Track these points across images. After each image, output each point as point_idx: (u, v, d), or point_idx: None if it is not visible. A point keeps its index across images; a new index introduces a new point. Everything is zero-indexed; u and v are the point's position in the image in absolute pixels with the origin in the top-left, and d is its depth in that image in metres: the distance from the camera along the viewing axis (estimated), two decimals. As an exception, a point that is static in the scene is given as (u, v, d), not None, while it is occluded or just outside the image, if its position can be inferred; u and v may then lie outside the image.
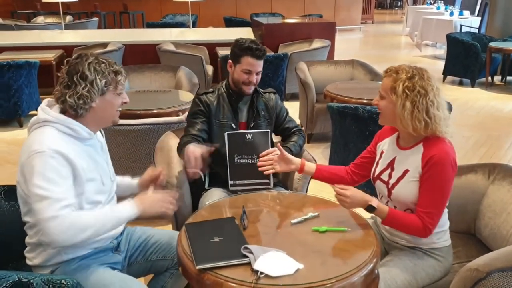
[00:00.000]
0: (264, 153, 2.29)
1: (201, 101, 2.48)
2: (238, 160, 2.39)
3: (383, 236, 2.13)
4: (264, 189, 2.37)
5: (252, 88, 2.45)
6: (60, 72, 1.82)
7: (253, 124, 2.49)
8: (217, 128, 2.46)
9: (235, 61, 2.43)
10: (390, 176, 1.99)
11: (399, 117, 1.87)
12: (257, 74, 2.42)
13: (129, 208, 1.79)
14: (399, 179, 1.95)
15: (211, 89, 2.53)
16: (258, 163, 2.27)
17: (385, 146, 2.08)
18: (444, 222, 2.01)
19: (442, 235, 2.00)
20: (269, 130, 2.45)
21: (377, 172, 2.07)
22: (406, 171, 1.94)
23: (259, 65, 2.42)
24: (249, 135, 2.32)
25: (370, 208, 1.89)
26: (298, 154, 2.49)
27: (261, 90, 2.58)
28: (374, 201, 1.90)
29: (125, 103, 1.89)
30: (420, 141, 1.92)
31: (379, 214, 1.92)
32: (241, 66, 2.40)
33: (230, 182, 2.40)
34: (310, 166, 2.21)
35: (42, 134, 1.70)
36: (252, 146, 2.36)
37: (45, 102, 1.83)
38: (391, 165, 2.01)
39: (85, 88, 1.73)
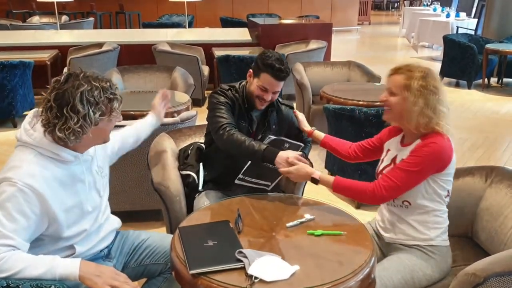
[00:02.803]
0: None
1: (227, 96, 2.37)
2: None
3: (380, 236, 2.12)
4: (262, 190, 2.33)
5: (265, 105, 2.36)
6: (46, 93, 1.64)
7: (260, 136, 2.42)
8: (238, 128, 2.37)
9: (255, 74, 2.32)
10: None
11: (408, 112, 1.92)
12: (274, 93, 2.32)
13: (69, 266, 1.57)
14: None
15: (228, 87, 2.40)
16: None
17: (391, 145, 2.13)
18: (443, 220, 2.01)
19: (439, 232, 1.99)
20: (303, 145, 2.35)
21: (380, 168, 2.12)
22: None
23: (278, 85, 2.29)
24: (287, 144, 2.22)
25: (313, 181, 2.05)
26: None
27: (280, 100, 2.50)
28: (316, 174, 2.06)
29: (119, 122, 1.78)
30: (419, 137, 1.96)
31: (325, 184, 2.06)
32: (259, 81, 2.29)
33: (240, 176, 2.29)
34: (319, 134, 2.44)
35: (21, 160, 1.61)
36: None
37: (29, 117, 1.70)
38: (393, 161, 2.05)
39: (77, 124, 1.59)
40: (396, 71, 1.98)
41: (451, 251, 2.04)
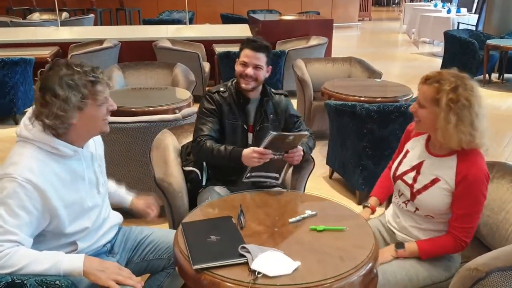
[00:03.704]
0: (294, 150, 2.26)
1: (213, 100, 2.41)
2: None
3: (390, 233, 2.11)
4: (273, 185, 2.35)
5: (251, 84, 2.36)
6: (35, 85, 1.66)
7: (259, 127, 2.44)
8: (230, 129, 2.40)
9: (238, 57, 2.42)
10: (415, 180, 1.97)
11: (441, 129, 1.82)
12: (255, 68, 2.34)
13: (73, 262, 1.58)
14: (427, 186, 1.93)
15: (222, 88, 2.45)
16: (287, 155, 2.24)
17: (411, 146, 2.06)
18: None
19: None
20: (307, 133, 2.37)
21: (399, 172, 2.04)
22: (436, 180, 1.91)
23: (255, 57, 2.34)
24: (291, 136, 2.21)
25: (398, 246, 1.96)
26: (308, 155, 2.43)
27: (273, 90, 2.53)
28: (397, 244, 1.97)
29: (112, 110, 1.76)
30: (455, 152, 1.88)
31: (410, 251, 1.94)
32: (240, 59, 2.39)
33: (247, 174, 2.29)
34: (376, 201, 2.24)
35: (21, 155, 1.62)
36: (287, 145, 2.24)
37: (29, 113, 1.71)
38: (417, 168, 1.98)
39: (60, 108, 1.59)
40: (425, 80, 1.86)
41: (460, 255, 2.03)
